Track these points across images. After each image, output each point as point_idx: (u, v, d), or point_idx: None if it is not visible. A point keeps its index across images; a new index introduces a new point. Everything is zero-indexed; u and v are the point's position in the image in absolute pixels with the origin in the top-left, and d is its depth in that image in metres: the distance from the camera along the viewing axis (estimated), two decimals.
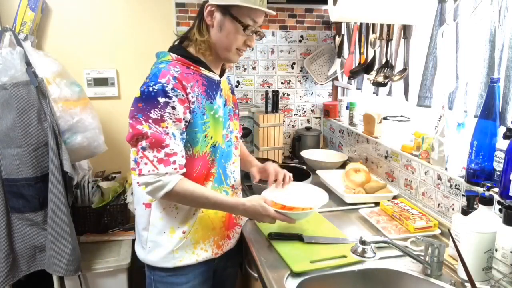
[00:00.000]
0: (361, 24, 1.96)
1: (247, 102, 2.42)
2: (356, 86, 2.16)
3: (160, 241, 1.27)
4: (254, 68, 2.39)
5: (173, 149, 1.13)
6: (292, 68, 2.44)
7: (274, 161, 1.67)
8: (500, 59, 1.24)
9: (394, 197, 1.68)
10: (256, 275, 1.30)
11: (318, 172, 1.94)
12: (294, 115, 2.51)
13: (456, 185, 1.38)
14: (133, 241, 2.01)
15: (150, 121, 1.12)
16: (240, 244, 1.46)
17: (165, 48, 1.27)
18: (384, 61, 1.78)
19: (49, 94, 1.67)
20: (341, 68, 2.24)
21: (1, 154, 1.63)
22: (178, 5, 2.20)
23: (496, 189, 1.17)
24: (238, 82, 2.37)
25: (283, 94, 2.45)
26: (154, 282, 1.33)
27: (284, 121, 2.43)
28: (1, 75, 1.58)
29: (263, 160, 1.64)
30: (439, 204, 1.48)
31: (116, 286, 1.93)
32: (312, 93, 2.50)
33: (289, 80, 2.45)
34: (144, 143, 1.12)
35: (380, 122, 1.93)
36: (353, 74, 1.99)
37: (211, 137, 1.25)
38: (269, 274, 1.18)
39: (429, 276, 1.16)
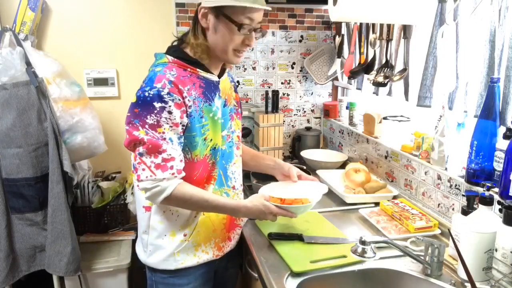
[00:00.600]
0: (361, 24, 1.95)
1: (247, 102, 2.41)
2: (356, 86, 2.16)
3: (161, 244, 1.26)
4: (254, 68, 2.39)
5: (170, 154, 1.12)
6: (292, 68, 2.44)
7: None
8: (500, 59, 1.24)
9: (394, 197, 1.68)
10: (256, 275, 1.30)
11: (318, 172, 1.94)
12: (294, 115, 2.51)
13: (456, 185, 1.38)
14: (133, 241, 2.02)
15: (146, 126, 1.11)
16: (241, 245, 1.46)
17: (165, 48, 1.26)
18: (384, 61, 1.78)
19: (49, 94, 1.67)
20: (341, 68, 2.23)
21: (1, 154, 1.63)
22: (178, 5, 2.20)
23: (496, 189, 1.17)
24: (238, 82, 2.37)
25: (283, 94, 2.45)
26: (156, 283, 1.33)
27: (284, 121, 2.43)
28: (1, 75, 1.58)
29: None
30: (439, 204, 1.48)
31: (116, 286, 1.93)
32: (312, 93, 2.50)
33: (289, 80, 2.45)
34: (141, 149, 1.11)
35: (380, 122, 1.93)
36: (353, 74, 1.99)
37: (211, 140, 1.24)
38: (269, 274, 1.18)
39: (429, 276, 1.15)
